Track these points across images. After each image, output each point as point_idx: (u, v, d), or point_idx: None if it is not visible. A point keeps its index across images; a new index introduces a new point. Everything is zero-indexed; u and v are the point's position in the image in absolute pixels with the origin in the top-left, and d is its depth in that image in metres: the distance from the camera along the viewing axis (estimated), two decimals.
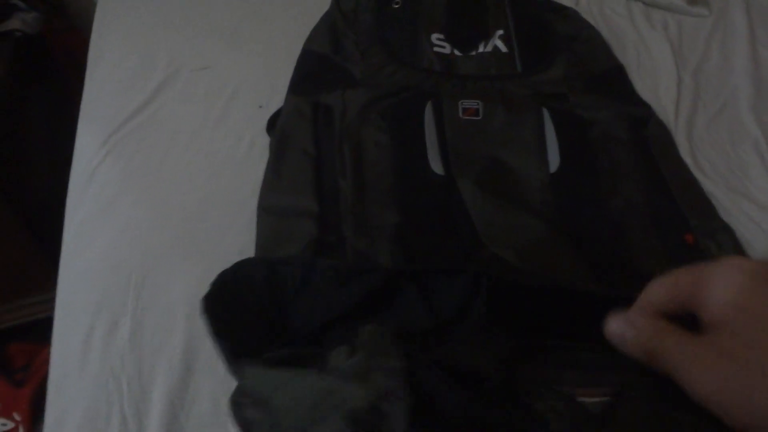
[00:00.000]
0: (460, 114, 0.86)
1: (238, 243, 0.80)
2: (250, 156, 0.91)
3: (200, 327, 0.72)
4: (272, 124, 0.92)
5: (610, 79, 0.97)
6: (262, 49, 1.10)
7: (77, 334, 0.74)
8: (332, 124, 0.86)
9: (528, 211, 0.76)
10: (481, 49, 0.97)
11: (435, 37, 0.98)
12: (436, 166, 0.81)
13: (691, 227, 0.76)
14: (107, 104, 1.02)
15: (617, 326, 0.38)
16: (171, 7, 1.19)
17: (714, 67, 1.03)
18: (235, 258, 0.78)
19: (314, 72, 0.95)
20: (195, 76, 1.06)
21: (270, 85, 1.02)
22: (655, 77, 1.01)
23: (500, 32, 0.98)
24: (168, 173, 0.90)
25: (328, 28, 1.00)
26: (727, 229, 0.77)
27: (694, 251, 0.74)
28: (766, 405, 0.29)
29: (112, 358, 0.71)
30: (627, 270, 0.71)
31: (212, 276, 0.77)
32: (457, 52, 0.97)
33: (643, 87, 0.98)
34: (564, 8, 1.06)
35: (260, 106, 0.99)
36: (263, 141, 0.92)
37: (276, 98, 0.99)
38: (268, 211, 0.79)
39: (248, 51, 1.10)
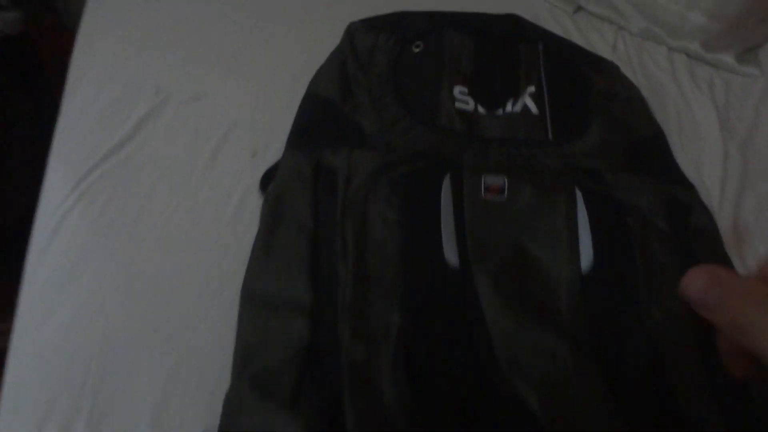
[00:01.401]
0: (482, 192, 0.74)
1: (216, 332, 0.70)
2: (239, 218, 0.80)
3: None
4: (267, 182, 0.80)
5: (651, 149, 0.86)
6: (263, 81, 0.98)
7: None
8: (335, 191, 0.75)
9: (554, 328, 0.65)
10: (509, 108, 0.85)
11: (458, 89, 0.86)
12: (451, 255, 0.70)
13: None
14: (83, 137, 0.90)
15: (700, 279, 0.32)
16: (164, 24, 1.07)
17: (764, 140, 0.92)
18: (211, 351, 0.68)
19: (318, 122, 0.84)
20: (184, 108, 0.94)
21: (268, 125, 0.91)
22: (699, 147, 0.90)
23: (531, 89, 0.86)
24: (143, 233, 0.79)
25: (338, 69, 0.89)
26: None
27: (743, 390, 0.63)
28: None
29: None
30: (668, 417, 0.61)
31: (183, 375, 0.68)
32: (481, 109, 0.86)
33: (684, 158, 0.87)
34: (602, 61, 0.95)
35: (254, 154, 0.87)
36: (255, 199, 0.81)
37: (274, 144, 0.88)
38: (252, 300, 0.68)
39: (246, 82, 0.98)
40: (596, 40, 1.07)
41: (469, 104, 0.85)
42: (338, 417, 0.58)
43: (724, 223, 0.80)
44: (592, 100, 0.88)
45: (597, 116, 0.85)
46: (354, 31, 0.93)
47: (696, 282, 0.32)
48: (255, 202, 0.80)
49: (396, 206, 0.73)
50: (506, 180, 0.75)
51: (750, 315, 0.29)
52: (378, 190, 0.74)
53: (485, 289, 0.67)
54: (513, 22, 0.97)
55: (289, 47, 1.03)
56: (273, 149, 0.87)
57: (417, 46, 0.91)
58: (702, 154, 0.89)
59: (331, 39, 0.96)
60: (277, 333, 0.65)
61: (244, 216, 0.80)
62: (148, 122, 0.92)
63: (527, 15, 1.03)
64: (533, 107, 0.85)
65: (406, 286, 0.68)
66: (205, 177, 0.85)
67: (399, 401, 0.59)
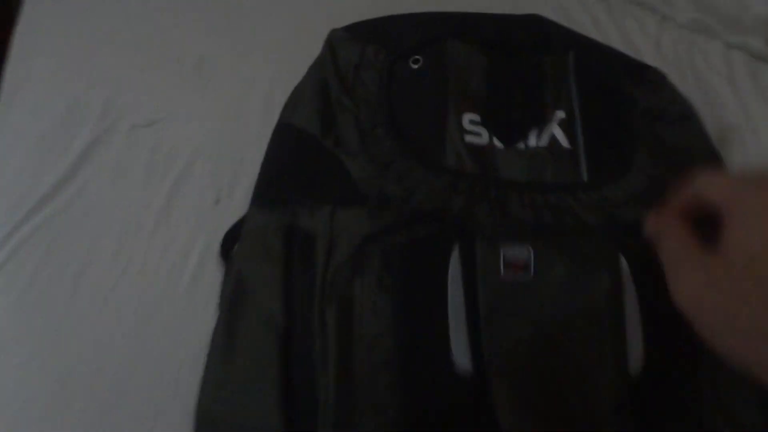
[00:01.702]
0: (501, 270, 0.58)
1: None
2: (196, 290, 0.66)
3: None
4: (229, 246, 0.65)
5: None
6: (232, 100, 0.81)
7: None
8: (312, 266, 0.59)
9: None
10: (532, 142, 0.68)
11: (468, 118, 0.69)
12: (462, 357, 0.54)
13: None
14: (15, 176, 0.75)
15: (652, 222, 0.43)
16: (113, 32, 0.89)
17: None
18: None
19: (293, 165, 0.67)
20: (137, 135, 0.78)
21: (235, 160, 0.75)
22: None
23: (561, 115, 0.69)
24: (79, 311, 0.65)
25: (317, 91, 0.71)
26: None
27: None
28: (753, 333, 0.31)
29: None
30: None
31: None
32: (497, 143, 0.68)
33: None
34: (645, 69, 0.76)
35: (217, 201, 0.71)
36: (215, 264, 0.66)
37: (240, 188, 0.73)
38: (213, 424, 0.53)
39: (212, 101, 0.81)
40: (635, 34, 0.89)
41: (483, 137, 0.68)
42: None
43: None
44: (635, 122, 0.71)
45: (642, 145, 0.68)
46: (336, 42, 0.74)
47: (651, 222, 0.42)
48: (215, 267, 0.65)
49: (391, 290, 0.57)
50: (532, 251, 0.59)
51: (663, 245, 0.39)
52: (367, 268, 0.58)
53: (506, 403, 0.52)
54: (535, 26, 0.77)
55: (264, 56, 0.84)
56: (241, 190, 0.72)
57: (415, 62, 0.72)
58: None
59: (315, 47, 0.77)
60: None
61: (202, 285, 0.66)
62: (91, 155, 0.76)
63: (553, 3, 0.85)
64: (563, 139, 0.68)
65: (404, 401, 0.53)
66: (159, 230, 0.70)
67: None
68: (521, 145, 0.68)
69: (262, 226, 0.62)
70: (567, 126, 0.68)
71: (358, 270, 0.58)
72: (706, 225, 0.38)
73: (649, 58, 0.82)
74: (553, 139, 0.68)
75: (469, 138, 0.68)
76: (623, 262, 0.59)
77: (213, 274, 0.65)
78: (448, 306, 0.56)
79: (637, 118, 0.71)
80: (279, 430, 0.52)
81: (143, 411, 0.58)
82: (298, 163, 0.67)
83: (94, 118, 0.79)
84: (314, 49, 0.76)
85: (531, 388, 0.53)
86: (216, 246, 0.66)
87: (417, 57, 0.72)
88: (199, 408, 0.55)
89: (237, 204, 0.70)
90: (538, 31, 0.77)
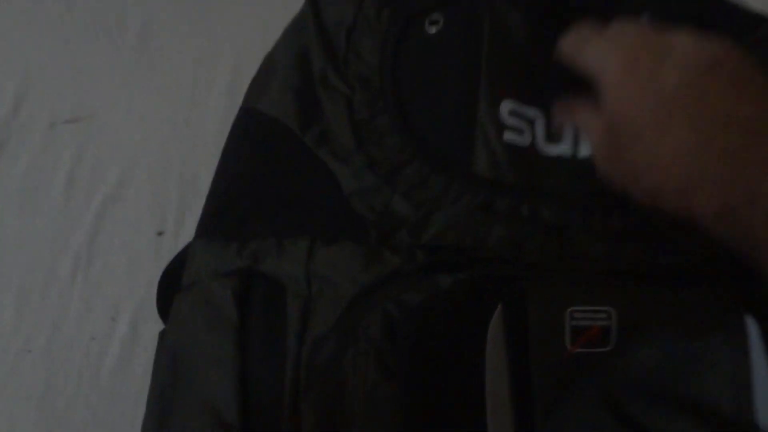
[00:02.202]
0: (568, 342, 0.39)
1: None
2: (124, 376, 0.51)
3: None
4: (167, 294, 0.47)
5: None
6: (185, 85, 0.66)
7: None
8: (282, 334, 0.42)
9: None
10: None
11: (508, 106, 0.49)
12: None
13: None
14: None
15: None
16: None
17: None
18: None
19: (257, 174, 0.49)
20: (57, 135, 0.63)
21: (189, 171, 0.62)
22: None
23: None
24: None
25: (294, 65, 0.52)
26: None
27: None
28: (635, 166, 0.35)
29: None
30: None
31: None
32: (544, 144, 0.49)
33: None
34: (758, 23, 0.57)
35: (160, 233, 0.54)
36: (156, 327, 0.47)
37: (195, 207, 0.58)
38: None
39: (154, 86, 0.67)
40: None
41: (526, 134, 0.49)
42: None
43: None
44: None
45: None
46: None
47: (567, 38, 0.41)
48: (153, 331, 0.47)
49: (398, 374, 0.39)
50: (613, 314, 0.40)
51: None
52: (363, 340, 0.40)
53: None
54: None
55: (227, 28, 0.69)
56: (193, 217, 0.54)
57: (433, 23, 0.53)
58: None
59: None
60: None
61: (134, 365, 0.49)
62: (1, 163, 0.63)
63: None
64: None
65: None
66: (76, 283, 0.56)
67: None
68: (583, 150, 0.50)
69: (210, 272, 0.44)
70: None
71: (350, 343, 0.40)
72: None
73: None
74: None
75: (509, 135, 0.48)
76: (749, 324, 0.41)
77: (149, 349, 0.48)
78: (486, 398, 0.38)
79: None
80: None
81: None
82: (265, 170, 0.48)
83: (4, 114, 0.65)
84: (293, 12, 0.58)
85: None
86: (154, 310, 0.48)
87: (436, 16, 0.53)
88: None
89: (186, 238, 0.52)
90: None
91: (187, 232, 0.57)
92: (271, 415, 0.40)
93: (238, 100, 0.53)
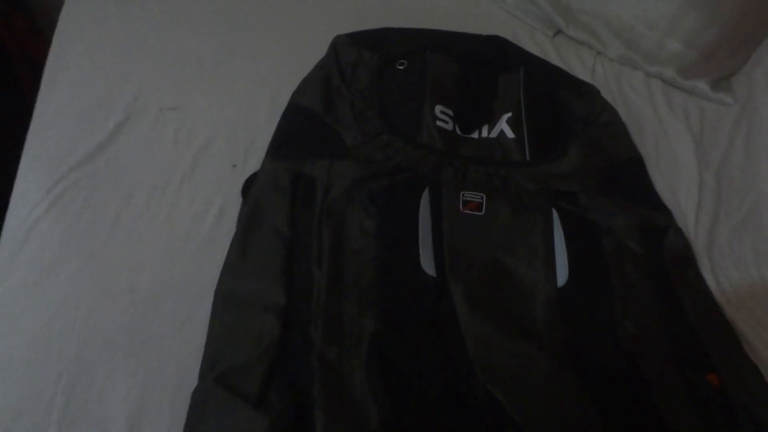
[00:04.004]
0: (461, 207, 0.75)
1: (195, 342, 0.69)
2: (218, 229, 0.79)
3: None
4: (248, 188, 0.80)
5: (628, 173, 0.87)
6: (245, 91, 0.98)
7: None
8: (313, 200, 0.75)
9: (530, 337, 0.65)
10: (484, 134, 0.87)
11: (439, 109, 0.87)
12: (428, 265, 0.70)
13: (714, 365, 0.67)
14: (58, 141, 0.89)
15: None
16: (145, 27, 1.06)
17: (738, 167, 0.94)
18: (190, 362, 0.67)
19: (300, 132, 0.84)
20: (164, 116, 0.93)
21: (249, 137, 0.90)
22: (676, 173, 0.91)
23: (508, 116, 0.87)
24: (119, 241, 0.78)
25: (322, 81, 0.89)
26: (755, 373, 0.67)
27: (721, 396, 0.64)
28: None
29: None
30: (646, 420, 0.62)
31: (160, 383, 0.67)
32: (459, 131, 0.87)
33: (662, 184, 0.89)
34: (582, 84, 0.96)
35: (234, 166, 0.87)
36: (234, 211, 0.80)
37: (254, 157, 0.88)
38: (226, 300, 0.68)
39: (228, 91, 0.98)
40: (575, 64, 1.08)
41: (449, 124, 0.86)
42: (306, 415, 0.59)
43: (698, 246, 0.82)
44: (571, 124, 0.90)
45: (576, 140, 0.87)
46: (339, 46, 0.93)
47: None
48: (235, 213, 0.79)
49: (374, 216, 0.74)
50: (484, 197, 0.76)
51: None
52: (357, 201, 0.75)
53: (461, 299, 0.68)
54: (498, 46, 0.98)
55: (271, 58, 1.02)
56: (253, 161, 0.87)
57: (401, 64, 0.91)
58: (678, 180, 0.91)
59: (314, 51, 0.96)
60: (246, 331, 0.65)
61: (223, 227, 0.79)
62: (125, 129, 0.91)
63: (508, 36, 1.05)
64: (509, 132, 0.86)
65: (382, 293, 0.68)
66: (185, 186, 0.84)
67: (370, 399, 0.59)
68: (475, 135, 0.87)
69: (274, 169, 0.78)
70: (513, 123, 0.87)
71: (350, 203, 0.75)
72: None
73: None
74: (502, 133, 0.86)
75: (439, 123, 0.86)
76: (554, 212, 0.76)
77: (232, 221, 0.78)
78: (418, 230, 0.72)
79: (573, 121, 0.90)
80: (282, 304, 0.66)
81: (174, 316, 0.71)
82: (304, 130, 0.84)
83: (126, 102, 0.94)
84: (314, 55, 0.95)
85: (481, 290, 0.69)
86: (234, 198, 0.81)
87: (403, 61, 0.91)
88: (217, 289, 0.69)
89: (251, 169, 0.84)
90: (500, 50, 0.97)
91: (250, 167, 0.85)
92: (306, 232, 0.72)
93: (278, 102, 0.89)
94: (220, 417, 0.59)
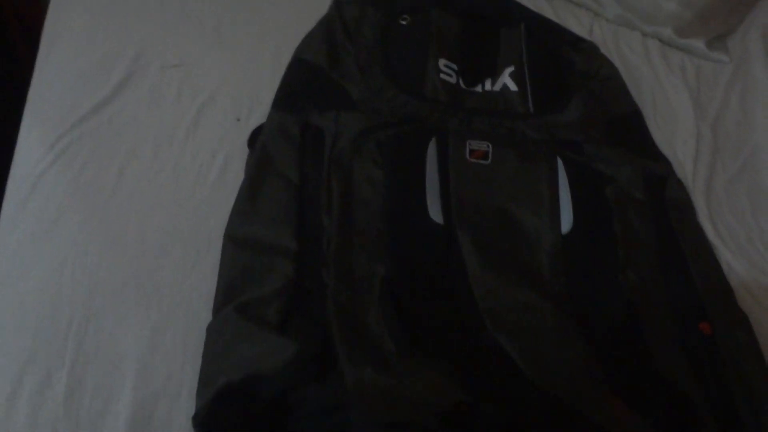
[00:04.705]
0: (467, 156, 0.76)
1: (204, 286, 0.69)
2: (224, 179, 0.80)
3: (153, 389, 0.61)
4: (254, 140, 0.80)
5: (629, 125, 0.88)
6: (247, 49, 0.97)
7: (1, 388, 0.61)
8: (321, 150, 0.76)
9: (535, 285, 0.67)
10: (488, 87, 0.87)
11: (443, 62, 0.87)
12: (435, 213, 0.71)
13: (708, 315, 0.69)
14: (60, 98, 0.88)
15: None
16: None
17: (733, 121, 0.95)
18: (200, 304, 0.68)
19: (306, 86, 0.84)
20: (166, 74, 0.93)
21: (252, 93, 0.90)
22: (673, 126, 0.93)
23: (510, 69, 0.88)
24: (125, 192, 0.78)
25: (325, 37, 0.89)
26: (745, 325, 0.69)
27: (711, 345, 0.66)
28: None
29: (43, 424, 0.60)
30: (640, 365, 0.63)
31: (170, 325, 0.67)
32: (462, 84, 0.87)
33: (660, 137, 0.90)
34: (582, 41, 0.97)
35: (238, 119, 0.87)
36: (239, 162, 0.81)
37: (258, 111, 0.88)
38: (236, 243, 0.68)
39: (230, 49, 0.97)
40: (573, 25, 1.09)
41: (453, 78, 0.87)
42: (328, 346, 0.59)
43: (697, 195, 0.84)
44: (573, 78, 0.91)
45: (577, 93, 0.87)
46: (341, 4, 0.93)
47: None
48: (240, 165, 0.80)
49: (382, 166, 0.74)
50: (490, 146, 0.77)
51: None
52: (364, 151, 0.75)
53: (468, 246, 0.69)
54: (500, 3, 0.99)
55: (273, 16, 1.02)
56: (257, 115, 0.87)
57: (404, 20, 0.91)
58: (676, 133, 0.92)
59: (317, 7, 0.96)
60: (262, 271, 0.65)
61: (228, 177, 0.80)
62: (129, 85, 0.90)
63: None
64: (512, 85, 0.87)
65: (391, 240, 0.69)
66: (189, 139, 0.84)
67: (387, 335, 0.60)
68: (479, 88, 0.88)
69: (282, 120, 0.78)
70: (516, 76, 0.88)
71: (357, 152, 0.75)
72: None
73: None
74: (505, 86, 0.87)
75: (443, 76, 0.86)
76: (559, 161, 0.77)
77: (237, 172, 0.79)
78: (425, 178, 0.74)
79: (574, 75, 0.91)
80: (294, 250, 0.67)
81: (182, 262, 0.72)
82: (310, 84, 0.84)
83: (128, 61, 0.94)
84: (316, 14, 0.95)
85: (488, 238, 0.70)
86: (239, 151, 0.81)
87: (406, 16, 0.91)
88: (227, 232, 0.70)
89: (255, 122, 0.85)
90: (501, 6, 0.98)
91: (254, 120, 0.85)
92: (315, 181, 0.73)
93: (280, 62, 0.89)
94: (245, 344, 0.59)
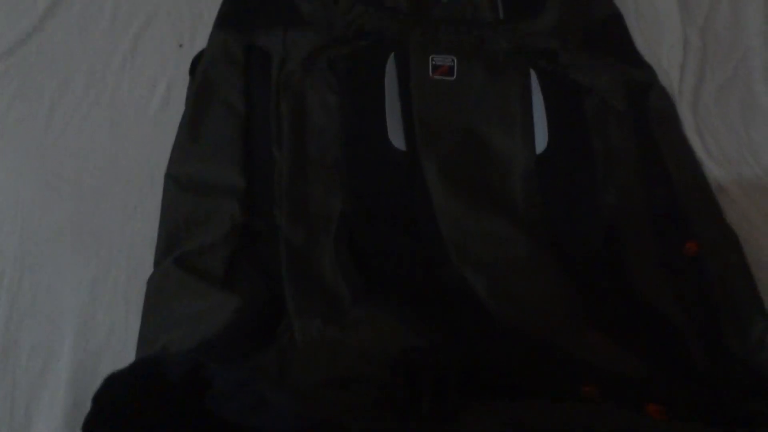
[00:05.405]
0: (430, 72, 0.69)
1: (147, 230, 0.64)
2: (166, 111, 0.73)
3: (95, 344, 0.57)
4: (196, 65, 0.73)
5: (608, 30, 0.81)
6: None
7: None
8: (269, 73, 0.69)
9: (507, 215, 0.61)
10: None
11: None
12: (397, 139, 0.65)
13: (694, 233, 0.64)
14: None
15: None
16: None
17: (723, 24, 0.88)
18: (143, 250, 0.62)
19: (249, 1, 0.75)
20: None
21: (194, 14, 0.82)
22: (658, 32, 0.85)
23: None
24: (57, 130, 0.71)
25: None
26: (733, 243, 0.64)
27: (695, 266, 0.62)
28: None
29: None
30: (621, 292, 0.59)
31: (112, 274, 0.62)
32: None
33: (643, 44, 0.82)
34: None
35: (180, 45, 0.79)
36: (182, 91, 0.73)
37: (202, 33, 0.79)
38: (178, 183, 0.63)
39: None
40: None
41: None
42: (277, 297, 0.55)
43: (683, 105, 0.77)
44: None
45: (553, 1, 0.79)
46: None
47: None
48: (183, 94, 0.73)
49: (336, 88, 0.67)
50: (455, 60, 0.70)
51: None
52: (316, 72, 0.68)
53: (433, 174, 0.63)
54: None
55: None
56: (200, 40, 0.78)
57: None
58: (661, 39, 0.84)
59: None
60: (206, 216, 0.60)
61: (171, 109, 0.73)
62: (56, 11, 0.82)
63: None
64: None
65: (349, 171, 0.63)
66: (126, 68, 0.77)
67: (341, 280, 0.55)
68: None
69: (224, 42, 0.70)
70: None
71: (309, 75, 0.68)
72: None
73: None
74: None
75: None
76: (532, 73, 0.70)
77: (180, 102, 0.71)
78: (385, 99, 0.67)
79: None
80: (241, 187, 0.61)
81: (123, 204, 0.66)
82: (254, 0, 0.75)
83: None
84: None
85: (455, 163, 0.64)
86: (181, 79, 0.74)
87: None
88: (167, 172, 0.64)
89: (199, 48, 0.76)
90: None
91: (197, 46, 0.76)
92: (263, 107, 0.66)
93: None
94: (184, 300, 0.55)
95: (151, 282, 0.57)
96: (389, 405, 0.43)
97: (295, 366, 0.48)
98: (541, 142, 0.67)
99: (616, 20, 0.83)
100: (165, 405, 0.38)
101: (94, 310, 0.59)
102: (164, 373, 0.39)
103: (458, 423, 0.42)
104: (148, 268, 0.60)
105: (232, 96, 0.67)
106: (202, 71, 0.69)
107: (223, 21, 0.73)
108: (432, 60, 0.69)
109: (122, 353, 0.57)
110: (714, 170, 0.72)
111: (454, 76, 0.69)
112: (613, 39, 0.80)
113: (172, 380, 0.38)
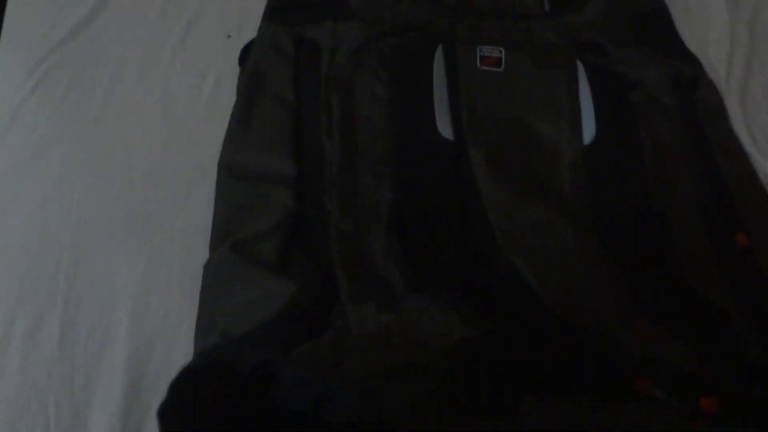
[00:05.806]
0: (478, 63, 0.69)
1: (199, 218, 0.65)
2: (216, 100, 0.74)
3: (150, 328, 0.58)
4: (246, 56, 0.74)
5: (655, 23, 0.80)
6: None
7: None
8: (318, 65, 0.69)
9: (554, 203, 0.61)
10: None
11: None
12: (445, 128, 0.65)
13: (744, 226, 0.63)
14: (36, 20, 0.82)
15: None
16: None
17: None
18: (195, 238, 0.64)
19: None
20: None
21: (243, 5, 0.83)
22: (705, 24, 0.84)
23: None
24: (111, 120, 0.73)
25: None
26: None
27: (748, 257, 0.61)
28: None
29: (36, 369, 0.57)
30: (672, 284, 0.58)
31: (165, 261, 0.64)
32: None
33: (689, 36, 0.81)
34: None
35: (228, 36, 0.80)
36: (232, 81, 0.74)
37: (249, 25, 0.80)
38: (231, 172, 0.64)
39: None
40: None
41: None
42: (330, 282, 0.55)
43: (731, 99, 0.76)
44: None
45: None
46: None
47: None
48: (232, 84, 0.73)
49: (385, 80, 0.68)
50: (503, 51, 0.70)
51: None
52: (365, 64, 0.69)
53: (481, 163, 0.63)
54: None
55: None
56: (248, 31, 0.79)
57: None
58: (708, 32, 0.84)
59: None
60: (259, 203, 0.61)
61: (221, 100, 0.74)
62: (107, 4, 0.83)
63: None
64: None
65: (398, 161, 0.64)
66: (176, 59, 0.78)
67: (393, 268, 0.56)
68: None
69: (274, 34, 0.71)
70: None
71: (358, 66, 0.69)
72: None
73: None
74: None
75: None
76: (579, 65, 0.70)
77: (230, 92, 0.72)
78: (433, 90, 0.67)
79: None
80: (292, 176, 0.62)
81: (175, 193, 0.67)
82: None
83: None
84: None
85: (502, 153, 0.65)
86: (230, 69, 0.75)
87: None
88: (221, 161, 0.65)
89: (246, 38, 0.77)
90: None
91: (245, 37, 0.76)
92: (313, 99, 0.67)
93: None
94: (241, 286, 0.55)
95: (208, 268, 0.58)
96: (447, 397, 0.43)
97: (352, 354, 0.48)
98: (588, 133, 0.67)
99: (662, 13, 0.82)
100: (235, 396, 0.39)
101: (149, 296, 0.60)
102: (235, 365, 0.40)
103: (515, 418, 0.42)
104: (200, 256, 0.61)
105: (282, 88, 0.68)
106: (253, 63, 0.70)
107: (272, 13, 0.74)
108: (480, 51, 0.69)
109: (176, 337, 0.58)
110: (763, 163, 0.71)
111: (502, 68, 0.69)
112: (659, 32, 0.79)
113: (243, 372, 0.39)
